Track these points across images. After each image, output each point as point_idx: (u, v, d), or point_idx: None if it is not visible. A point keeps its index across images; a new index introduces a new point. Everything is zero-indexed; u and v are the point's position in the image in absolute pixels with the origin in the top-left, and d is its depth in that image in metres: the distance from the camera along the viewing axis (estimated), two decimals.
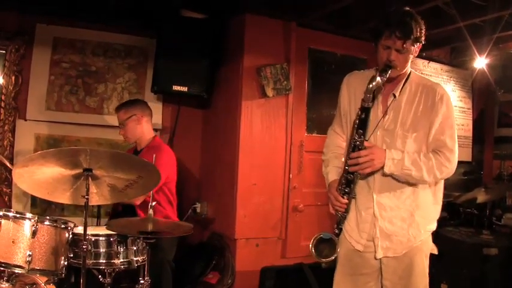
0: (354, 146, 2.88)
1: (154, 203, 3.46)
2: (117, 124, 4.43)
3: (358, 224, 3.07)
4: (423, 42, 2.87)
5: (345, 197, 2.99)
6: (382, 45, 2.83)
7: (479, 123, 6.69)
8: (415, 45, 2.84)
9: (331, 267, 3.17)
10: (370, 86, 2.77)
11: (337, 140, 3.31)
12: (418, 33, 2.80)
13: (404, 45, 2.77)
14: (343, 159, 3.20)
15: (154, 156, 3.42)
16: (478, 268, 4.85)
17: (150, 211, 3.33)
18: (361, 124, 2.86)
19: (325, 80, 5.35)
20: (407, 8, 2.89)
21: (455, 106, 6.33)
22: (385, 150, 2.89)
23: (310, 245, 3.03)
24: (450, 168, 2.95)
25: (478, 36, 5.19)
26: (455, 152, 2.95)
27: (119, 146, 5.01)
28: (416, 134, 2.94)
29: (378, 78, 2.76)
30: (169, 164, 4.34)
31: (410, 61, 2.92)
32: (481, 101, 6.75)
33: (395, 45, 2.77)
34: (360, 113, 2.86)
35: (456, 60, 6.43)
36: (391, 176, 2.92)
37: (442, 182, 3.10)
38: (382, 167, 2.89)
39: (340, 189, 2.99)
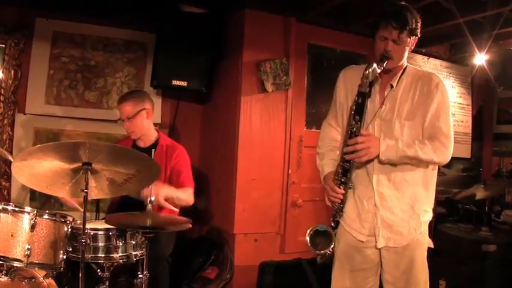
0: (351, 133, 2.93)
1: (153, 198, 3.46)
2: (116, 118, 4.36)
3: (359, 214, 3.08)
4: (419, 36, 2.96)
5: (341, 187, 3.03)
6: (379, 36, 2.92)
7: (479, 119, 6.69)
8: (411, 38, 2.92)
9: (326, 263, 3.19)
10: (367, 72, 2.83)
11: (332, 133, 3.35)
12: (414, 25, 2.89)
13: (401, 35, 2.86)
14: (338, 152, 3.24)
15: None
16: (476, 264, 4.86)
17: (149, 206, 3.33)
18: (358, 109, 2.91)
19: (325, 75, 5.34)
20: (404, 3, 2.98)
21: (455, 102, 6.34)
22: (379, 138, 2.93)
23: (307, 237, 3.06)
24: (446, 153, 2.99)
25: (478, 33, 5.18)
26: (451, 137, 3.00)
27: (118, 140, 5.01)
28: (413, 122, 2.99)
29: (374, 65, 2.84)
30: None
31: (406, 54, 2.99)
32: (481, 97, 6.75)
33: (391, 36, 2.86)
34: (356, 98, 2.92)
35: (456, 57, 6.44)
36: (388, 162, 2.95)
37: (434, 173, 3.13)
38: (378, 155, 2.91)
39: (337, 179, 3.04)
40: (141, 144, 4.37)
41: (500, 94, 6.56)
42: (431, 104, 2.96)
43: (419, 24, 2.92)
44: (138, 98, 4.28)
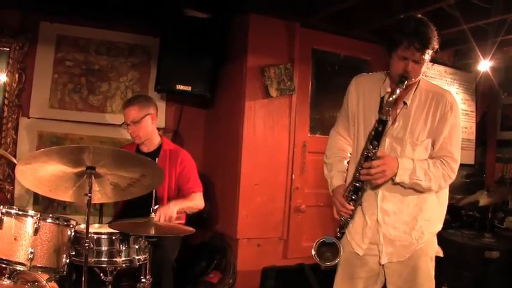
0: (367, 157, 2.86)
1: (157, 207, 3.46)
2: (120, 123, 4.35)
3: (363, 228, 3.07)
4: (436, 50, 2.84)
5: (351, 203, 2.98)
6: (398, 55, 2.80)
7: (482, 126, 6.68)
8: (430, 54, 2.81)
9: (331, 269, 3.17)
10: (390, 99, 2.76)
11: (341, 142, 3.30)
12: (435, 42, 2.77)
13: (423, 56, 2.76)
14: (346, 163, 3.23)
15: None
16: (479, 271, 4.85)
17: (152, 214, 3.33)
18: (377, 136, 2.84)
19: (329, 80, 5.35)
20: (420, 16, 2.86)
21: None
22: (397, 159, 2.86)
23: (313, 250, 3.02)
24: (453, 178, 2.98)
25: (482, 39, 5.18)
26: (459, 162, 2.97)
27: (122, 145, 5.00)
28: (425, 141, 2.94)
29: (398, 91, 2.75)
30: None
31: (423, 69, 2.89)
32: (484, 104, 6.74)
33: (413, 57, 2.76)
34: (376, 125, 2.84)
35: (460, 63, 6.43)
36: (400, 184, 2.91)
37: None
38: (393, 176, 2.87)
39: (347, 196, 2.99)
40: (145, 149, 4.37)
41: (504, 100, 6.56)
42: (444, 126, 2.90)
43: (437, 38, 2.80)
44: (143, 103, 4.28)
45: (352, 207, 2.98)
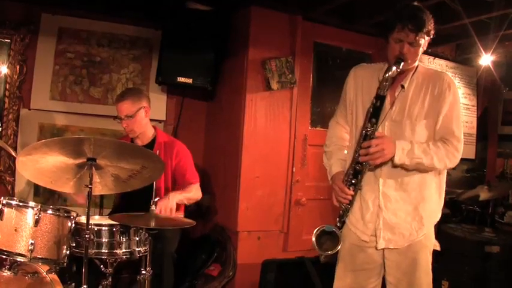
0: (366, 135, 2.87)
1: (157, 199, 3.46)
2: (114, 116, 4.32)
3: (363, 214, 3.06)
4: (432, 36, 2.89)
5: (351, 188, 2.98)
6: (394, 38, 2.85)
7: (483, 120, 6.68)
8: (425, 39, 2.85)
9: (330, 262, 3.17)
10: (387, 75, 2.81)
11: (340, 131, 3.32)
12: (429, 27, 2.83)
13: (417, 38, 2.79)
14: (346, 152, 3.22)
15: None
16: (479, 266, 4.85)
17: (153, 207, 3.33)
18: (375, 112, 2.86)
19: (330, 74, 5.35)
20: (416, 3, 2.92)
21: (460, 103, 6.31)
22: (394, 141, 2.87)
23: (313, 237, 3.02)
24: (458, 157, 2.97)
25: (484, 33, 5.16)
26: (462, 140, 2.97)
27: (122, 137, 5.00)
28: (425, 122, 2.95)
29: (394, 68, 2.80)
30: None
31: (420, 54, 2.92)
32: (486, 98, 6.74)
33: (408, 38, 2.80)
34: (374, 101, 2.87)
35: (461, 57, 6.42)
36: (401, 166, 2.91)
37: (445, 174, 3.09)
38: (392, 158, 2.86)
39: (347, 181, 2.99)
40: (139, 142, 4.31)
41: (506, 95, 6.56)
42: (443, 105, 2.92)
43: (433, 25, 2.86)
44: (136, 96, 4.21)
45: (352, 192, 2.98)
